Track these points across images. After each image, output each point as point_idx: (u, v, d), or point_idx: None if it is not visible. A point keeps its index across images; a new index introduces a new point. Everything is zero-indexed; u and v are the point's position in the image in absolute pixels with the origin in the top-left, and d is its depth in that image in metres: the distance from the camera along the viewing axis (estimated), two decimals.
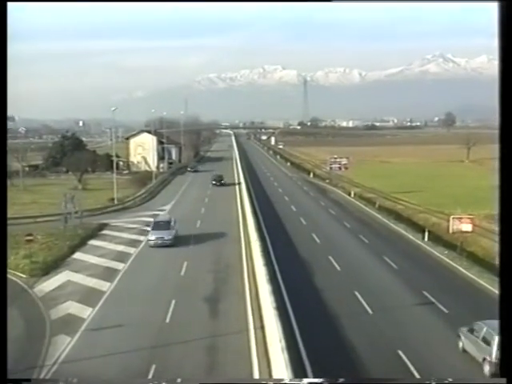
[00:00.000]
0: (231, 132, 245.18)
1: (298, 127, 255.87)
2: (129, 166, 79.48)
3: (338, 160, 60.23)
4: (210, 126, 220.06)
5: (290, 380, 9.59)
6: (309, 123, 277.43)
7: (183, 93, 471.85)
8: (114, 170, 48.53)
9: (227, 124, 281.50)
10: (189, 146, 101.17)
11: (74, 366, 12.89)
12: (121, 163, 78.29)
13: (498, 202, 5.14)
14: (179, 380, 8.46)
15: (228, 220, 36.00)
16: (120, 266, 23.93)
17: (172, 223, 28.10)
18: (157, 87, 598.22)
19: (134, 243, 29.00)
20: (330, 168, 60.79)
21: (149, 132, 79.83)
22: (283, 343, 11.32)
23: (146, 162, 79.78)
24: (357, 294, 18.61)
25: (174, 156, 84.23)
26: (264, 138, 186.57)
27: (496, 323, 12.13)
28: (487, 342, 12.32)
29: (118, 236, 30.90)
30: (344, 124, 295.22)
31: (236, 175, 62.40)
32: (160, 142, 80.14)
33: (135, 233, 32.00)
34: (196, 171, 72.41)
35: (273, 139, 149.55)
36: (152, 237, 26.71)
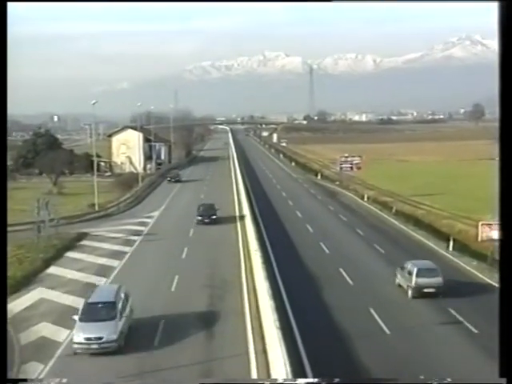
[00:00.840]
0: (228, 128, 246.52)
1: (304, 122, 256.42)
2: (111, 167, 79.56)
3: (349, 159, 60.27)
4: (204, 121, 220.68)
5: (289, 380, 10.47)
6: (316, 117, 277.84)
7: (173, 84, 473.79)
8: (95, 171, 48.67)
9: (223, 119, 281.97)
10: (180, 143, 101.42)
11: None
12: (102, 164, 78.46)
13: (499, 201, 5.84)
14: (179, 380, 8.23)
15: (226, 231, 35.96)
16: (102, 281, 23.80)
17: (120, 305, 16.73)
18: (143, 77, 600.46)
19: (117, 255, 28.95)
20: (340, 168, 60.86)
21: (134, 128, 79.94)
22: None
23: (131, 163, 79.80)
24: (373, 312, 18.81)
25: (162, 155, 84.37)
26: (265, 134, 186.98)
27: (420, 262, 21.12)
28: (410, 274, 20.27)
29: (99, 247, 30.87)
30: (356, 118, 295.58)
31: (233, 177, 62.65)
32: (147, 140, 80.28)
33: (119, 243, 31.99)
34: (178, 181, 62.60)
35: (275, 136, 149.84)
36: (79, 337, 15.69)
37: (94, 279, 24.11)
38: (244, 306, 19.22)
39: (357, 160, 60.15)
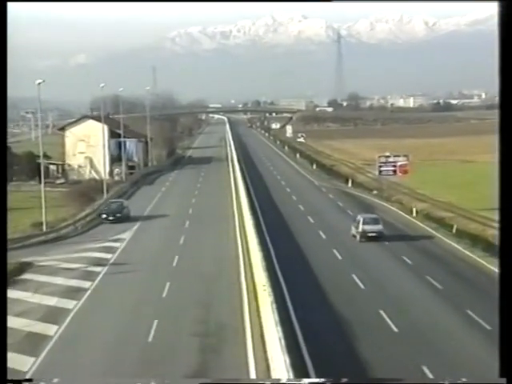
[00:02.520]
0: (225, 118, 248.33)
1: (329, 109, 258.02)
2: (65, 171, 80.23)
3: (391, 160, 60.37)
4: (192, 108, 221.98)
5: (292, 380, 12.77)
6: (345, 103, 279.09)
7: (149, 58, 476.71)
8: (42, 178, 48.36)
9: (218, 106, 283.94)
10: (160, 139, 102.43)
11: None
12: (52, 168, 79.19)
13: (498, 200, 7.58)
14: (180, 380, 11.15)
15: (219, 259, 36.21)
16: (51, 329, 23.84)
17: None
18: (108, 49, 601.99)
19: (73, 293, 29.00)
20: (380, 172, 61.05)
21: (96, 119, 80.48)
22: None
23: (93, 166, 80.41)
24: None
25: (136, 156, 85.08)
26: (275, 126, 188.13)
27: (365, 214, 42.29)
28: (358, 223, 38.13)
29: (48, 282, 31.01)
30: (401, 103, 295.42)
31: (233, 187, 63.45)
32: (114, 135, 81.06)
33: (76, 277, 32.24)
34: (118, 220, 48.74)
35: (289, 128, 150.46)
36: None
37: (39, 327, 23.95)
38: None
39: (402, 161, 60.13)
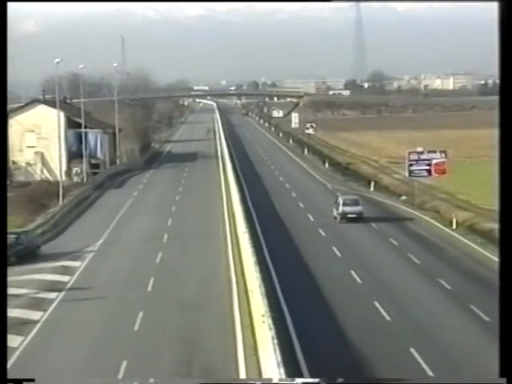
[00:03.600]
0: (213, 104, 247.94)
1: (345, 92, 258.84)
2: (9, 170, 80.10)
3: (424, 157, 60.57)
4: (173, 92, 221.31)
5: (288, 380, 16.08)
6: (366, 84, 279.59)
7: (117, 26, 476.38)
8: None
9: (205, 88, 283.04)
10: (131, 131, 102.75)
11: None
12: None
13: (498, 199, 9.58)
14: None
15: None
16: None
17: None
18: (64, 14, 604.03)
19: (19, 326, 28.87)
20: (410, 172, 61.32)
21: (50, 104, 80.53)
22: None
23: (46, 164, 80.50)
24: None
25: (100, 151, 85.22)
26: (278, 114, 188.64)
27: (345, 196, 56.57)
28: (338, 204, 52.47)
29: None
30: (437, 84, 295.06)
31: (224, 194, 64.06)
32: (73, 125, 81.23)
33: (21, 305, 32.17)
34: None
35: (295, 117, 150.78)
36: None
37: None
38: None
39: (439, 158, 60.32)
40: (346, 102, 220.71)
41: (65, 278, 37.66)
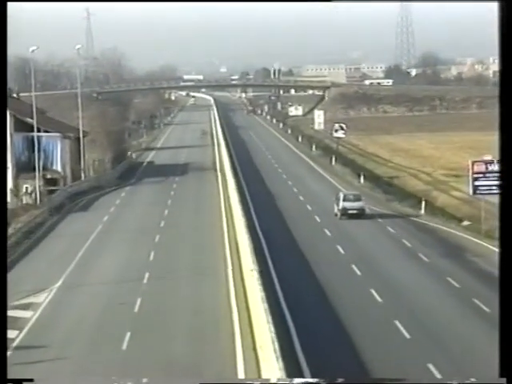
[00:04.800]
0: (210, 98, 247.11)
1: (387, 82, 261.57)
2: None
3: (494, 168, 60.22)
4: (155, 82, 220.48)
5: (287, 380, 20.41)
6: (414, 71, 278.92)
7: None
8: None
9: (198, 78, 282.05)
10: (101, 135, 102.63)
11: None
12: None
13: (499, 198, 17.88)
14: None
15: None
16: None
17: None
18: None
19: None
20: (475, 189, 61.11)
21: None
22: None
23: None
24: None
25: (59, 162, 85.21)
26: (296, 111, 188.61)
27: (347, 191, 73.88)
28: (338, 200, 67.17)
29: None
30: None
31: (227, 218, 64.31)
32: (23, 127, 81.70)
33: None
34: None
35: (319, 115, 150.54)
36: None
37: None
38: None
39: None
40: (387, 94, 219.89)
41: (26, 315, 38.85)
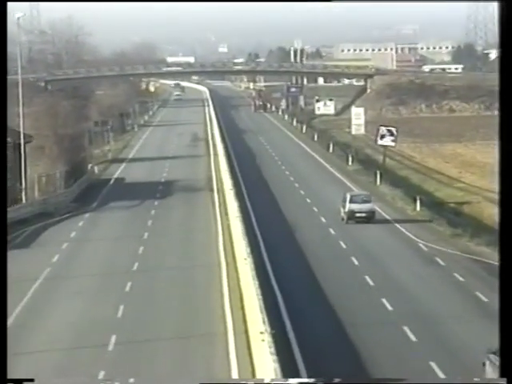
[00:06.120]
0: (203, 89, 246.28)
1: (455, 68, 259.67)
2: None
3: None
4: (127, 67, 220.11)
5: (283, 380, 27.48)
6: (493, 52, 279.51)
7: None
8: None
9: (188, 61, 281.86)
10: (50, 140, 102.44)
11: None
12: None
13: (499, 199, 33.48)
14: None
15: None
16: None
17: None
18: None
19: None
20: None
21: None
22: None
23: None
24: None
25: None
26: (325, 109, 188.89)
27: (355, 191, 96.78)
28: (345, 201, 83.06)
29: None
30: None
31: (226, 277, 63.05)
32: None
33: None
34: None
35: (358, 114, 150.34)
36: None
37: None
38: None
39: None
40: (455, 85, 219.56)
41: None
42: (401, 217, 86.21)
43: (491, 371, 43.93)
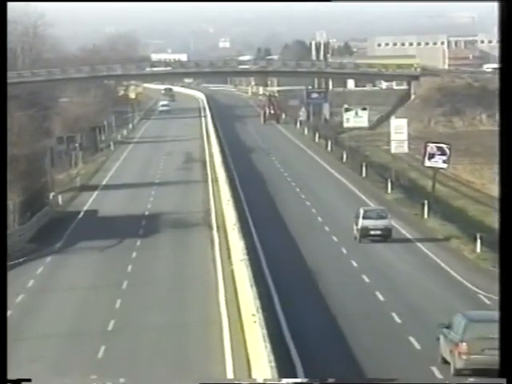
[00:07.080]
0: (199, 95, 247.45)
1: None
2: None
3: None
4: (100, 67, 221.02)
5: (280, 380, 38.73)
6: None
7: None
8: None
9: (180, 59, 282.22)
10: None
11: None
12: None
13: (499, 198, 51.19)
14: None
15: None
16: None
17: None
18: None
19: None
20: None
21: None
22: None
23: None
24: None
25: None
26: (356, 120, 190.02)
27: (370, 207, 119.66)
28: (358, 217, 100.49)
29: None
30: None
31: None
32: None
33: None
34: None
35: (397, 128, 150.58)
36: None
37: None
38: None
39: None
40: None
41: None
42: (456, 260, 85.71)
43: (445, 345, 54.91)
